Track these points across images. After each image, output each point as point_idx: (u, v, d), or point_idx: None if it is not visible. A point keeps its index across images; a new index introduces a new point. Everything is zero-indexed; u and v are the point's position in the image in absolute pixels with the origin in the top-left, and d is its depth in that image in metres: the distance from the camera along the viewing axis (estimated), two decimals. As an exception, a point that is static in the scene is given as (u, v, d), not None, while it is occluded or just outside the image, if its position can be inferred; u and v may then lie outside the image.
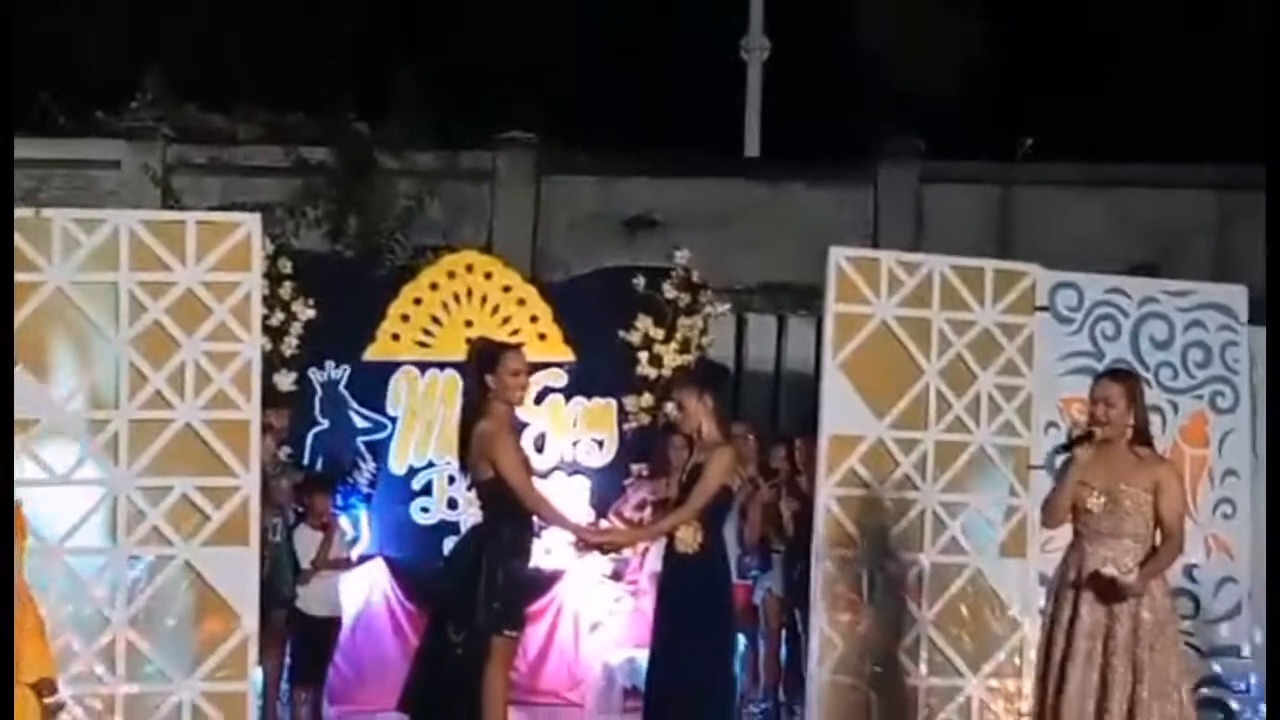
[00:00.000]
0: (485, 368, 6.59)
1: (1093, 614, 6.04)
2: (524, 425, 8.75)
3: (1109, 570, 5.96)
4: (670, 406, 7.49)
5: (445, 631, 6.52)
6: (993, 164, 12.57)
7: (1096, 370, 7.56)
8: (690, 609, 7.00)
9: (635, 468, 9.40)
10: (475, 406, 6.60)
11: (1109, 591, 5.98)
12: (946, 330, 7.92)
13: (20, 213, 7.23)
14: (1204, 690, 7.98)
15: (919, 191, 12.45)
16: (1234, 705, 8.23)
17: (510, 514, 6.59)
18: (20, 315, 6.83)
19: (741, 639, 8.63)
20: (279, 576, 8.27)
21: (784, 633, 8.87)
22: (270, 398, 8.24)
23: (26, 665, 3.56)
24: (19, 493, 3.58)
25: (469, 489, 7.37)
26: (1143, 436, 6.22)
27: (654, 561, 8.06)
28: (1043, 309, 8.10)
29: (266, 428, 7.73)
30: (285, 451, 8.88)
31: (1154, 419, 8.23)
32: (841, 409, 7.77)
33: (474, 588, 6.42)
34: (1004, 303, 8.02)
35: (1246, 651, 8.23)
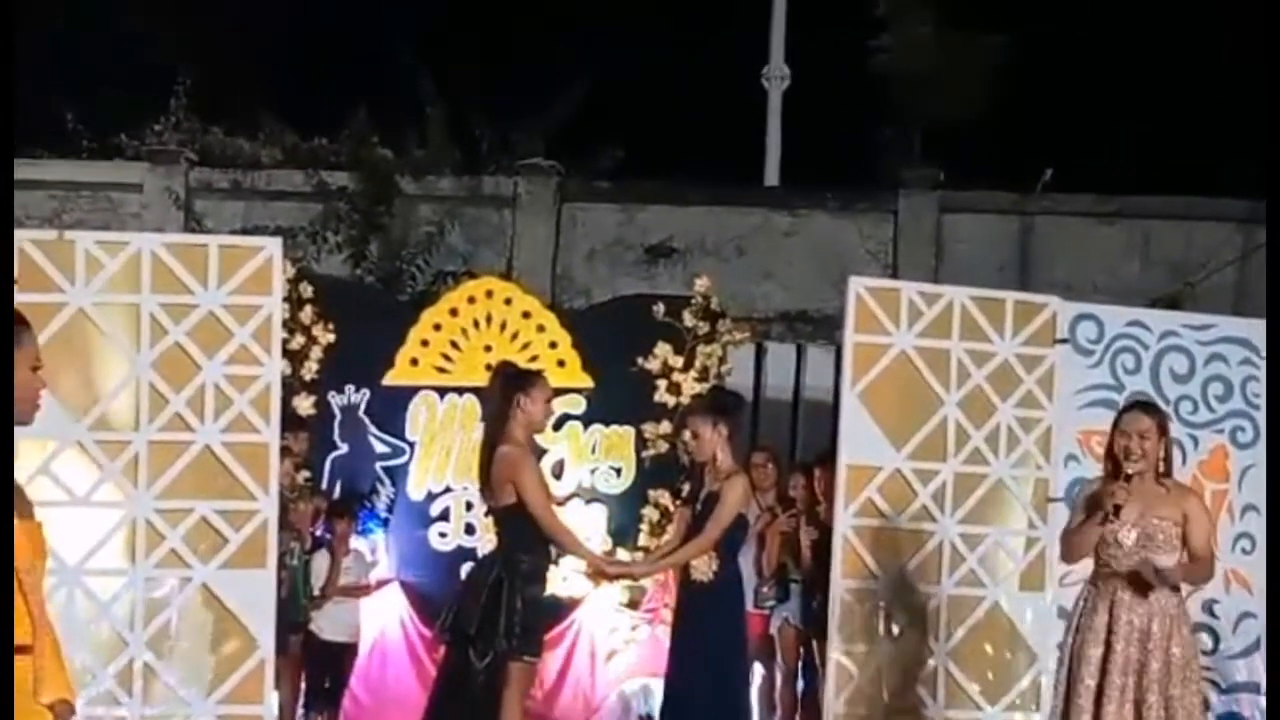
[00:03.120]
0: (516, 389, 6.61)
1: (1126, 650, 5.98)
2: (542, 452, 8.76)
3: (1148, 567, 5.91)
4: (685, 435, 7.49)
5: (463, 657, 6.53)
6: (1013, 194, 12.56)
7: (1116, 402, 7.55)
8: (705, 638, 6.99)
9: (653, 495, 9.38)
10: (497, 431, 6.62)
11: (1140, 583, 5.94)
12: (966, 361, 7.90)
13: (44, 234, 7.28)
14: (1223, 726, 7.95)
15: (939, 221, 12.45)
16: (1252, 741, 8.18)
17: (528, 540, 6.60)
18: (42, 336, 6.83)
19: (758, 668, 8.61)
20: (295, 601, 8.28)
21: (800, 663, 8.84)
22: (289, 421, 8.26)
23: (44, 687, 3.57)
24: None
25: (486, 514, 7.39)
26: (1169, 469, 6.20)
27: (674, 590, 8.03)
28: (1063, 341, 8.08)
29: (285, 451, 7.75)
30: (304, 475, 8.89)
31: (1174, 453, 8.24)
32: (860, 439, 7.76)
33: (493, 614, 6.43)
34: (1024, 334, 8.00)
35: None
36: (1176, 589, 6.04)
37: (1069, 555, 6.24)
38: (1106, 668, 5.98)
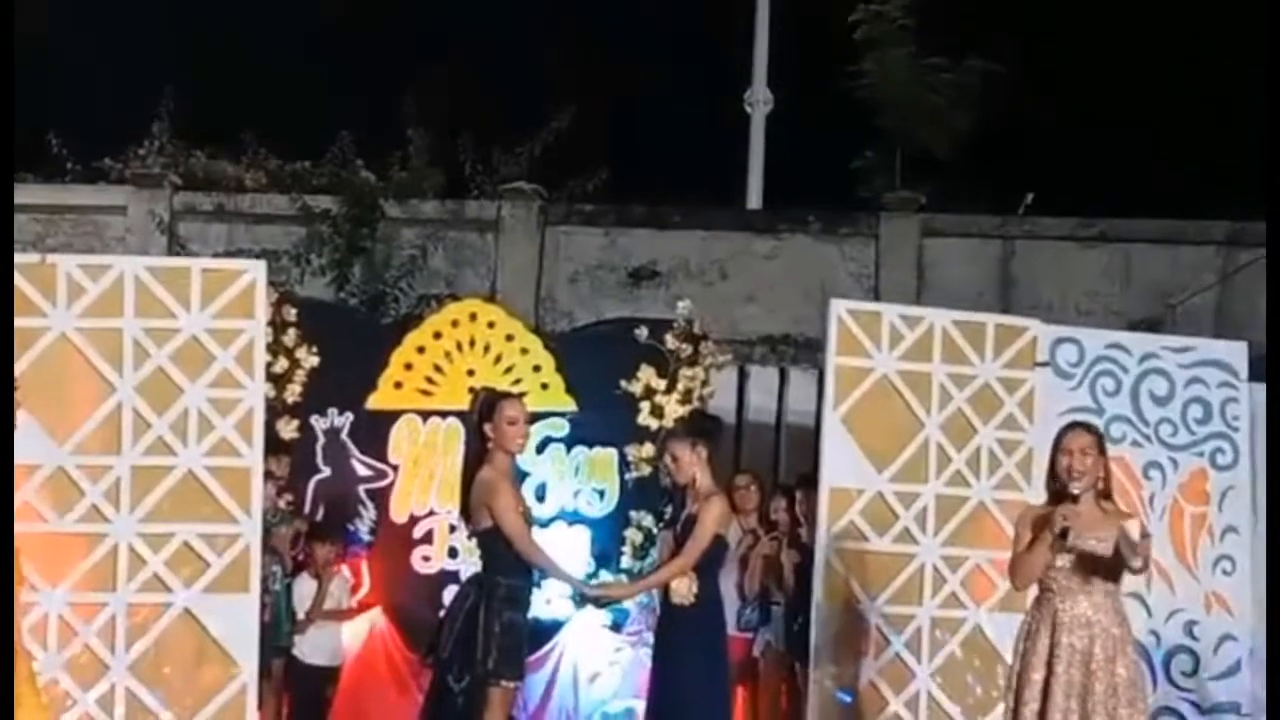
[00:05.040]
0: (484, 417, 6.67)
1: (1068, 673, 5.99)
2: (525, 475, 8.77)
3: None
4: (666, 458, 7.51)
5: (445, 680, 6.54)
6: (995, 218, 12.62)
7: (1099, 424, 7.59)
8: (686, 660, 7.01)
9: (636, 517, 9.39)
10: (477, 456, 6.66)
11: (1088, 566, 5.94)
12: (947, 384, 7.94)
13: (26, 258, 7.28)
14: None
15: (921, 245, 12.50)
16: (1232, 763, 8.21)
17: (509, 563, 6.62)
18: (25, 360, 6.86)
19: (740, 691, 8.61)
20: (279, 625, 8.26)
21: (784, 685, 8.84)
22: (272, 445, 8.26)
23: (21, 712, 3.58)
24: (18, 541, 3.60)
25: (469, 538, 7.40)
26: (1108, 489, 6.22)
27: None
28: (1043, 364, 8.12)
29: (268, 475, 7.75)
30: (286, 499, 8.88)
31: (1154, 475, 8.29)
32: (842, 461, 7.79)
33: (470, 637, 6.44)
34: (1005, 357, 8.04)
35: (1247, 709, 8.20)
36: (1119, 609, 6.05)
37: (1019, 580, 6.21)
38: (1049, 691, 5.98)
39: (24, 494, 6.86)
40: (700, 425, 7.57)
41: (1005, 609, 7.85)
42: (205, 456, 7.10)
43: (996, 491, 7.94)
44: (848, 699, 7.79)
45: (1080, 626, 6.00)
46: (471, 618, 6.51)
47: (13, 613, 3.38)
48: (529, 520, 6.90)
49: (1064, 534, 5.94)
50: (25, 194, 12.61)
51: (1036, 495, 7.87)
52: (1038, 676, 6.01)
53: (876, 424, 7.83)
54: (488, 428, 6.63)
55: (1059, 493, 6.09)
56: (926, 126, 13.39)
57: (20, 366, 6.76)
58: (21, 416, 6.66)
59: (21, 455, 6.52)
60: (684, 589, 6.96)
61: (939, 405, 7.91)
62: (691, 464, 7.11)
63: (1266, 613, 7.82)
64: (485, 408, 6.72)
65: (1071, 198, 12.69)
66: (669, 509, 7.87)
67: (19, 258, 7.38)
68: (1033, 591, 6.19)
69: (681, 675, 6.95)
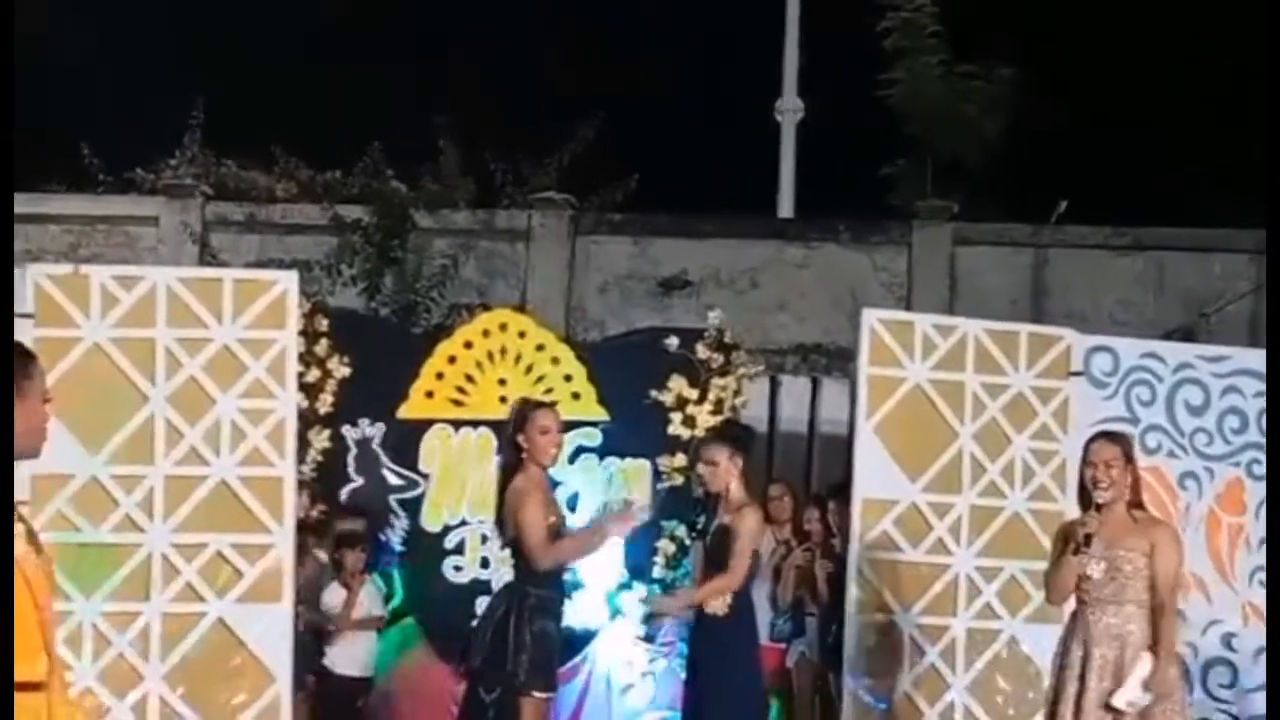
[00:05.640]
0: (517, 427, 6.67)
1: (1100, 685, 5.95)
2: (556, 484, 8.75)
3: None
4: (700, 466, 7.47)
5: (476, 692, 6.53)
6: (1027, 226, 12.56)
7: (1133, 435, 7.53)
8: (720, 671, 6.97)
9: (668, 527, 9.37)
10: (511, 465, 6.67)
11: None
12: (980, 393, 7.90)
13: (59, 269, 7.31)
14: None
15: (953, 253, 12.45)
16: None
17: (540, 574, 6.60)
18: (58, 371, 6.88)
19: (774, 702, 8.58)
20: (311, 635, 8.26)
21: (817, 697, 8.80)
22: (304, 454, 8.27)
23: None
24: (49, 551, 3.63)
25: (502, 548, 7.39)
26: (1138, 498, 6.17)
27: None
28: (1077, 373, 8.07)
29: (300, 485, 7.75)
30: (318, 509, 8.89)
31: (1190, 485, 8.23)
32: (874, 472, 7.75)
33: (501, 647, 6.43)
34: (1038, 367, 8.00)
35: (1285, 721, 8.12)
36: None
37: (1052, 595, 6.20)
38: (1081, 704, 5.94)
39: (57, 503, 6.88)
40: (733, 434, 7.52)
41: (1040, 620, 7.81)
42: (238, 466, 7.11)
43: (1031, 502, 7.89)
44: (882, 705, 7.75)
45: (1111, 638, 5.96)
46: (502, 628, 6.50)
47: (13, 613, 3.37)
48: (560, 530, 6.88)
49: (1087, 541, 5.90)
50: (57, 205, 12.69)
51: (1071, 505, 7.84)
52: (1072, 689, 5.98)
53: (909, 434, 7.79)
54: (521, 438, 6.64)
55: (1086, 503, 6.05)
56: (958, 134, 13.34)
57: (53, 377, 6.78)
58: (55, 426, 6.68)
59: (55, 465, 6.54)
60: (718, 600, 6.93)
61: (972, 415, 7.87)
62: (728, 472, 7.07)
63: (1266, 613, 7.75)
64: (519, 417, 6.73)
65: (1104, 205, 12.63)
66: (701, 519, 7.84)
67: (52, 269, 7.41)
68: (1071, 603, 6.15)
69: (715, 686, 6.92)
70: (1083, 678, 5.97)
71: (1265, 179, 8.13)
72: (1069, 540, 6.04)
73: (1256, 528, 8.26)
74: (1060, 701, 6.02)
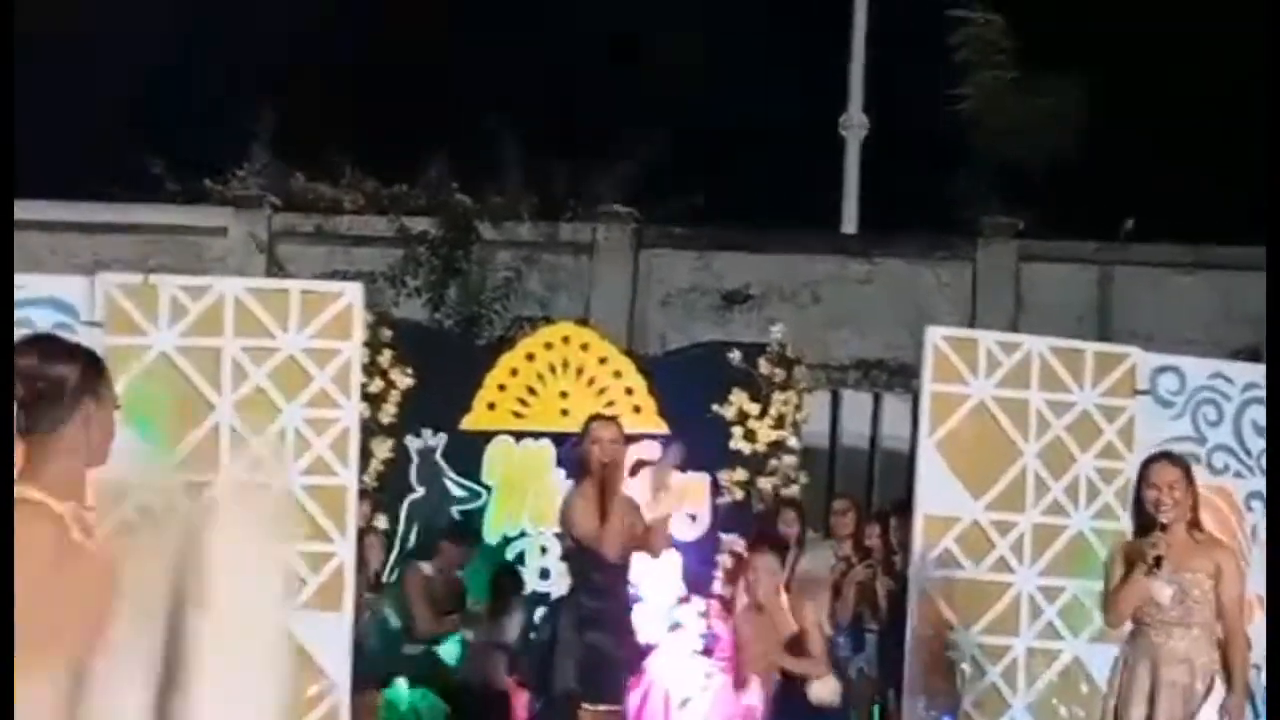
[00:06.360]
0: (583, 439, 6.72)
1: (1170, 711, 5.88)
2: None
3: None
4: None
5: (535, 702, 6.57)
6: (1093, 243, 12.47)
7: (1199, 455, 7.47)
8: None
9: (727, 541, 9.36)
10: (575, 477, 6.73)
11: None
12: (1045, 411, 7.84)
13: (129, 278, 7.39)
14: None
15: (1018, 270, 12.37)
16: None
17: (594, 586, 6.62)
18: (126, 379, 6.96)
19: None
20: (383, 643, 8.31)
21: (877, 714, 8.76)
22: (367, 464, 8.32)
23: None
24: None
25: (562, 559, 7.42)
26: (1197, 518, 6.10)
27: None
28: (1143, 392, 8.00)
29: (362, 494, 7.81)
30: (381, 520, 8.95)
31: (1256, 505, 8.13)
32: (937, 489, 7.72)
33: (554, 658, 6.46)
34: (1104, 385, 7.94)
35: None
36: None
37: (1115, 617, 6.11)
38: None
39: (121, 513, 6.94)
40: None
41: (1104, 640, 7.74)
42: (302, 475, 7.16)
43: (1095, 521, 7.83)
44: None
45: (1179, 661, 5.90)
46: (553, 639, 6.54)
47: (12, 613, 3.42)
48: (620, 537, 6.87)
49: (1158, 563, 5.84)
50: (128, 214, 12.84)
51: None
52: (1138, 713, 5.91)
53: (972, 451, 7.75)
54: (586, 449, 6.68)
55: (1146, 525, 5.99)
56: (1025, 149, 13.26)
57: (122, 385, 6.86)
58: (123, 433, 6.75)
59: (120, 472, 6.60)
60: (825, 693, 7.06)
61: (1036, 433, 7.82)
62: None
63: (1267, 613, 7.64)
64: (587, 427, 6.80)
65: (1172, 223, 12.51)
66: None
67: (122, 278, 7.49)
68: (1128, 625, 6.09)
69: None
70: (1151, 700, 5.90)
71: (1265, 186, 8.01)
72: (1132, 562, 5.97)
73: (1324, 548, 8.16)
74: None
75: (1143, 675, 5.95)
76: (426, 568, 8.72)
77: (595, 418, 7.14)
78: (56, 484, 3.53)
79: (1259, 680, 7.90)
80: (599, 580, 6.65)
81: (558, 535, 6.91)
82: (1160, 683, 5.90)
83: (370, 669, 7.92)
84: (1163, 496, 5.94)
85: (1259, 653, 7.73)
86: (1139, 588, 5.92)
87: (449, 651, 8.82)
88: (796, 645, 7.35)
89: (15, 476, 3.56)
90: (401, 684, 8.48)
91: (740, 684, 7.40)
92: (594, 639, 6.58)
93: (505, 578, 8.95)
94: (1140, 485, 6.05)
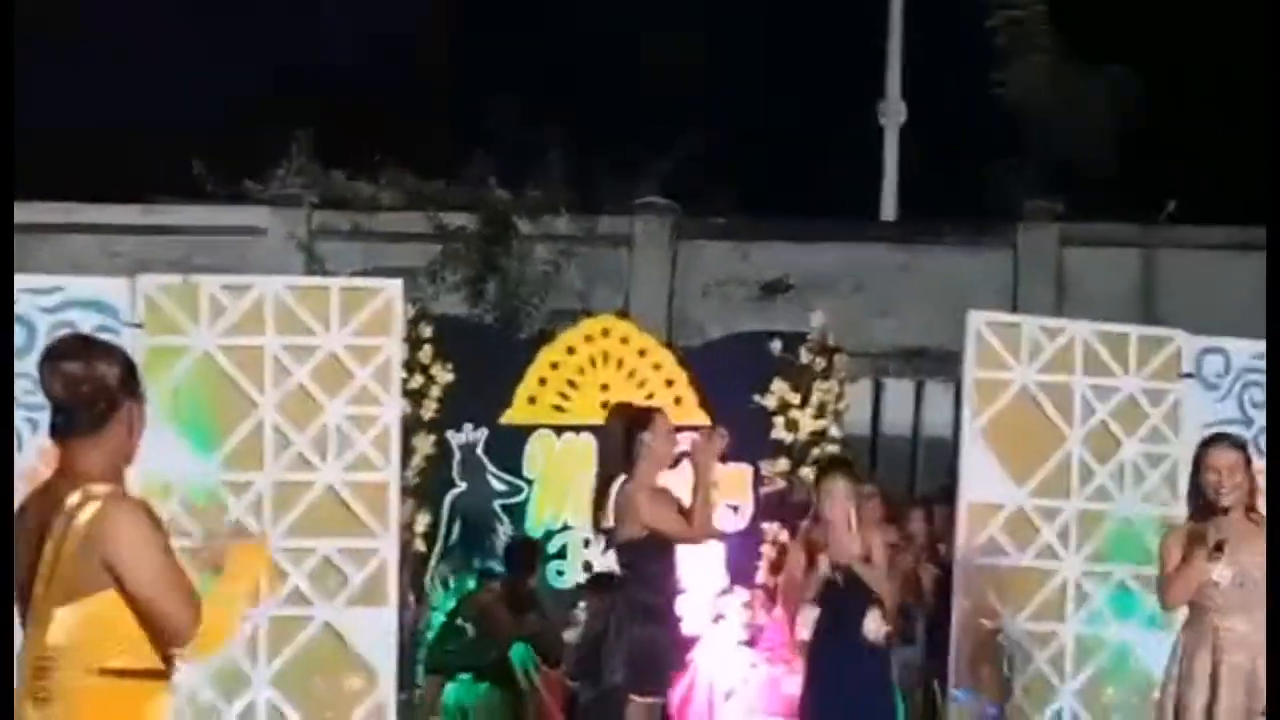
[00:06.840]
0: (640, 427, 6.71)
1: (1232, 699, 5.81)
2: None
3: None
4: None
5: (580, 694, 6.57)
6: (1135, 226, 12.37)
7: (1245, 437, 7.39)
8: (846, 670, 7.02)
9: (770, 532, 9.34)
10: (617, 469, 6.71)
11: None
12: (1089, 396, 7.79)
13: (169, 279, 7.43)
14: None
15: (1059, 255, 12.29)
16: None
17: (645, 577, 6.62)
18: (169, 378, 6.99)
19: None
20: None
21: (923, 702, 8.72)
22: (408, 460, 8.34)
23: None
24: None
25: (604, 552, 7.41)
26: (1254, 501, 6.04)
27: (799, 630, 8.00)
28: (1188, 375, 7.93)
29: (404, 490, 7.83)
30: (423, 517, 8.98)
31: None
32: (981, 476, 7.68)
33: (603, 649, 6.46)
34: (1148, 369, 7.87)
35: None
36: None
37: (1172, 599, 6.03)
38: (1213, 714, 5.79)
39: (168, 510, 6.99)
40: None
41: (1153, 626, 7.69)
42: (344, 472, 7.18)
43: (1142, 506, 7.77)
44: (992, 712, 7.67)
45: (1242, 646, 5.82)
46: (603, 631, 6.53)
47: (12, 613, 3.43)
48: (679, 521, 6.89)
49: (1219, 547, 5.78)
50: (168, 215, 12.90)
51: (1183, 509, 7.71)
52: (1200, 700, 5.83)
53: (1016, 438, 7.70)
54: (647, 437, 6.68)
55: (1204, 508, 5.93)
56: (1066, 133, 13.18)
57: (165, 385, 6.89)
58: (167, 433, 6.79)
59: (165, 470, 6.64)
60: (875, 626, 7.01)
61: (1081, 418, 7.76)
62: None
63: (1267, 613, 7.55)
64: (640, 420, 6.80)
65: (1213, 205, 12.40)
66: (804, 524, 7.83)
67: (162, 278, 7.52)
68: (1183, 610, 6.03)
69: (842, 685, 6.99)
70: (1213, 688, 5.83)
71: (1266, 177, 7.92)
72: (1191, 545, 5.91)
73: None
74: (1184, 712, 5.88)
75: (1203, 661, 5.87)
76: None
77: (649, 411, 7.14)
78: (105, 481, 3.57)
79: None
80: (652, 571, 6.65)
81: (605, 530, 6.87)
82: (1221, 666, 5.83)
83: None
84: (1223, 480, 5.88)
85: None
86: (1197, 571, 5.85)
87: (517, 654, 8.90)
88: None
89: (58, 477, 3.58)
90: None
91: (790, 613, 7.40)
92: (647, 631, 6.57)
93: (522, 548, 9.03)
94: (1198, 468, 5.99)
